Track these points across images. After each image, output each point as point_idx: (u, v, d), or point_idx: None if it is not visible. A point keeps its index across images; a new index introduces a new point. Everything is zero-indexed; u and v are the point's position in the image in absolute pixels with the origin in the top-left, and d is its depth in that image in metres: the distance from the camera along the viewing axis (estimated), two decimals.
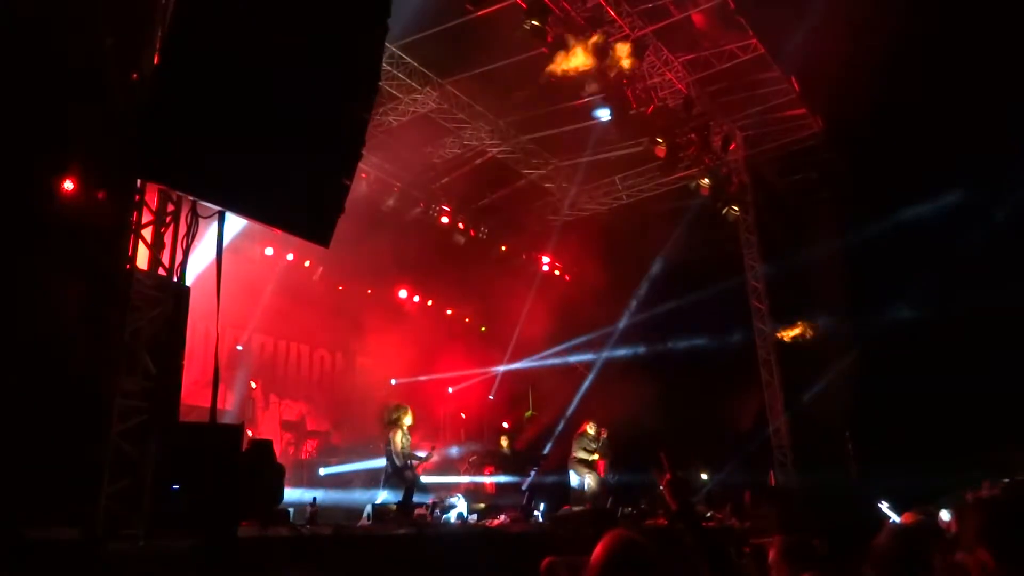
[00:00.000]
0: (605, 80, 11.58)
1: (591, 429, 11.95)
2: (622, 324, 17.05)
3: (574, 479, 11.78)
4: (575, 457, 11.85)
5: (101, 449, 5.06)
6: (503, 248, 16.90)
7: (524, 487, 12.07)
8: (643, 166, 15.40)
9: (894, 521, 5.84)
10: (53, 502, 4.85)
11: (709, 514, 11.77)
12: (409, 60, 12.34)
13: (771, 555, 4.16)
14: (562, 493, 11.89)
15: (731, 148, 14.48)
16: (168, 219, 6.01)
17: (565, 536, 8.44)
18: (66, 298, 5.85)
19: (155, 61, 5.62)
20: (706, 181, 14.33)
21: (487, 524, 8.74)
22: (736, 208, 14.87)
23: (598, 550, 2.80)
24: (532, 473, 12.38)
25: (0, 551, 4.04)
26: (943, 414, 12.38)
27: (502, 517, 9.14)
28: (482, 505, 9.59)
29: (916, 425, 12.71)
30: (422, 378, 15.37)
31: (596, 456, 11.80)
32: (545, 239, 17.54)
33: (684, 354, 16.10)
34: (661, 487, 3.16)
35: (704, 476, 14.91)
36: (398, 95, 12.89)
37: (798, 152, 14.87)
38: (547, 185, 16.35)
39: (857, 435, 14.15)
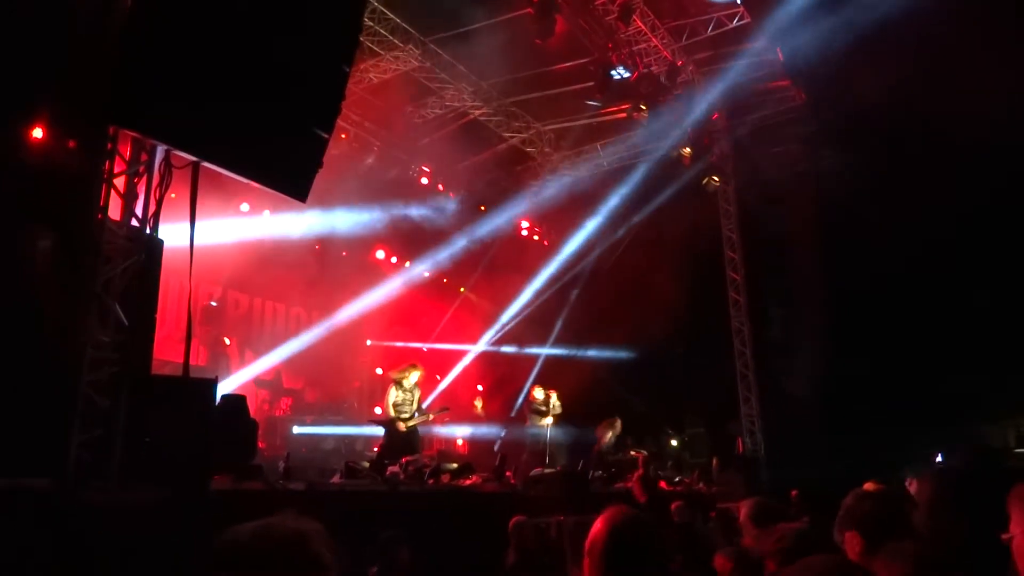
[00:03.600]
0: None
1: (539, 394, 12.12)
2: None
3: (531, 432, 11.99)
4: (530, 424, 12.07)
5: (72, 399, 5.01)
6: (482, 209, 16.80)
7: (496, 448, 12.19)
8: (625, 133, 15.34)
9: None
10: (23, 451, 4.80)
11: (678, 479, 12.00)
12: (391, 16, 12.11)
13: (741, 516, 4.26)
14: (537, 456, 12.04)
15: (713, 118, 14.48)
16: (141, 169, 5.87)
17: (536, 497, 8.55)
18: (36, 247, 5.73)
19: (128, 3, 5.45)
20: (688, 150, 14.33)
21: (459, 484, 8.81)
22: (716, 178, 14.91)
23: (599, 527, 2.56)
24: (503, 433, 12.56)
25: None
26: (914, 386, 12.66)
27: (474, 477, 9.20)
28: (454, 465, 9.65)
29: (886, 396, 12.99)
30: (398, 344, 15.41)
31: (550, 418, 11.97)
32: (525, 203, 17.48)
33: (658, 324, 16.22)
34: (632, 484, 3.13)
35: (674, 443, 15.19)
36: (379, 51, 12.67)
37: (780, 124, 14.89)
38: (528, 149, 16.25)
39: (827, 406, 14.43)
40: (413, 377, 10.06)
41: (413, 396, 10.04)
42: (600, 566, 2.49)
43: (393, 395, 9.86)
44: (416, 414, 9.99)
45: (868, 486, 5.56)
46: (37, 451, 4.91)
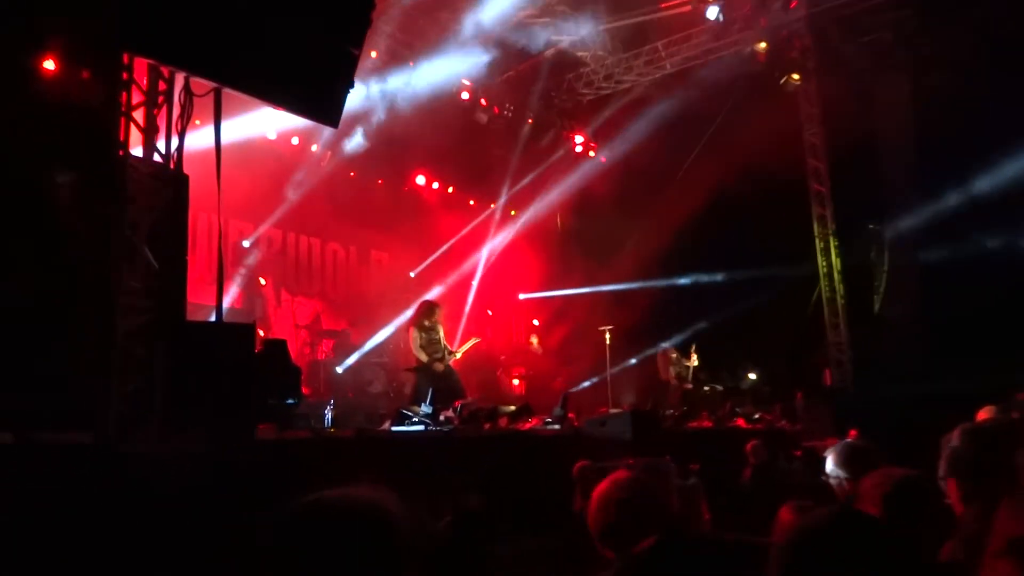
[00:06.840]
0: None
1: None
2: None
3: None
4: None
5: (108, 350, 5.21)
6: (530, 123, 16.52)
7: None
8: (690, 29, 14.76)
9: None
10: (62, 405, 5.04)
11: (757, 415, 11.99)
12: None
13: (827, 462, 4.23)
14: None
15: (792, 7, 13.83)
16: (160, 99, 5.94)
17: (602, 440, 8.64)
18: (57, 190, 5.88)
19: None
20: (763, 45, 13.79)
21: (518, 427, 8.96)
22: (796, 77, 14.36)
23: (601, 490, 2.84)
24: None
25: (11, 454, 4.25)
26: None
27: (533, 420, 9.33)
28: (512, 407, 9.79)
29: (988, 321, 12.62)
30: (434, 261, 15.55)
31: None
32: (578, 116, 17.13)
33: (735, 247, 15.97)
34: None
35: (752, 376, 15.13)
36: None
37: (868, 10, 14.11)
38: (580, 54, 15.79)
39: (924, 330, 14.13)
40: (432, 315, 10.16)
41: (438, 334, 10.16)
42: (601, 529, 2.75)
43: (418, 338, 9.96)
44: (447, 352, 10.13)
45: (982, 414, 5.37)
46: (76, 403, 5.16)
